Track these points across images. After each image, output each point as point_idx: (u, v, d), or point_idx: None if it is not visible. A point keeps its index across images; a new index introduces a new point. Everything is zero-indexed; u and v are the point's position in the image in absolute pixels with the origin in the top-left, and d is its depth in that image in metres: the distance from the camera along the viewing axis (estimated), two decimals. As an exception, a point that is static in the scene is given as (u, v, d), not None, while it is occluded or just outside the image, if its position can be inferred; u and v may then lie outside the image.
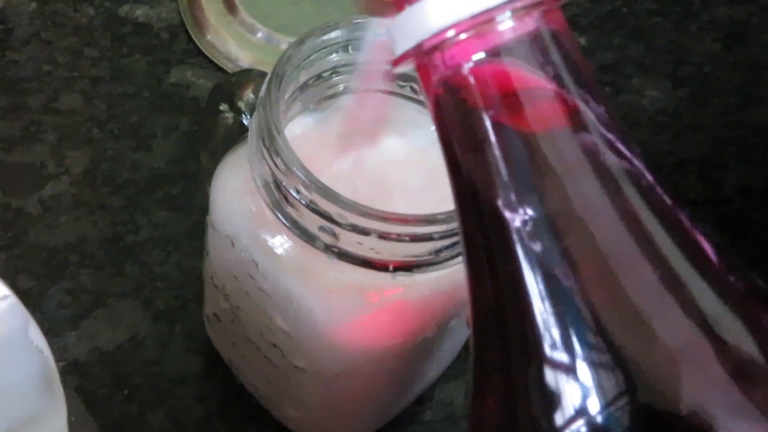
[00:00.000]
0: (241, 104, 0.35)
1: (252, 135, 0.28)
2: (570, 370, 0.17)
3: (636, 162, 0.18)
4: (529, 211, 0.17)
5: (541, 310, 0.17)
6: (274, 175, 0.27)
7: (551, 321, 0.17)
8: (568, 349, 0.17)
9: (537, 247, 0.18)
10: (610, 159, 0.17)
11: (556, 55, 0.18)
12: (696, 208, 0.45)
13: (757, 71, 0.49)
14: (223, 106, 0.36)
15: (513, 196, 0.18)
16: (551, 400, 0.17)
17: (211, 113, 0.36)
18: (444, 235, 0.26)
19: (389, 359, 0.30)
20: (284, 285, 0.29)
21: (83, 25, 0.46)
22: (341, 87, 0.31)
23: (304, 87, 0.30)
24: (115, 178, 0.41)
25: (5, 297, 0.24)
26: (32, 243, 0.39)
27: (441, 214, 0.26)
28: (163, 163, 0.42)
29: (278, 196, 0.28)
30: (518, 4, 0.17)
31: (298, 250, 0.28)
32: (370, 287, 0.28)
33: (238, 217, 0.30)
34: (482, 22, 0.17)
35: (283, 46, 0.46)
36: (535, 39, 0.18)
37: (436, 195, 0.24)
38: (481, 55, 0.17)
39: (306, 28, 0.29)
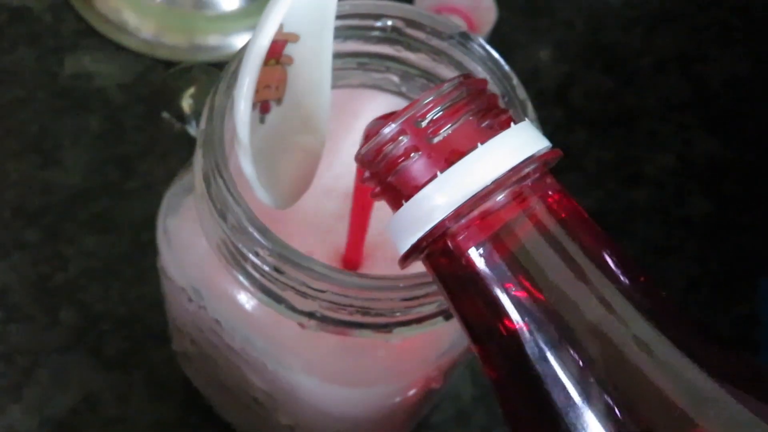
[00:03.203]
0: (185, 109, 0.30)
1: (197, 177, 0.23)
2: None
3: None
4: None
5: None
6: (225, 234, 0.22)
7: None
8: None
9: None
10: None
11: (557, 229, 0.17)
12: (683, 113, 0.40)
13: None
14: (165, 114, 0.31)
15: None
16: None
17: (154, 122, 0.30)
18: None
19: (388, 414, 0.26)
20: (255, 348, 0.25)
21: (-51, 21, 0.39)
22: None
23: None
24: (26, 207, 0.35)
25: None
26: (-55, 307, 0.33)
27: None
28: (79, 177, 0.36)
29: (235, 255, 0.22)
30: (508, 181, 0.17)
31: (267, 309, 0.23)
32: (356, 348, 0.24)
33: (191, 266, 0.25)
34: (469, 210, 0.17)
35: (189, 8, 0.39)
36: (529, 214, 0.17)
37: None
38: (481, 238, 0.17)
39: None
